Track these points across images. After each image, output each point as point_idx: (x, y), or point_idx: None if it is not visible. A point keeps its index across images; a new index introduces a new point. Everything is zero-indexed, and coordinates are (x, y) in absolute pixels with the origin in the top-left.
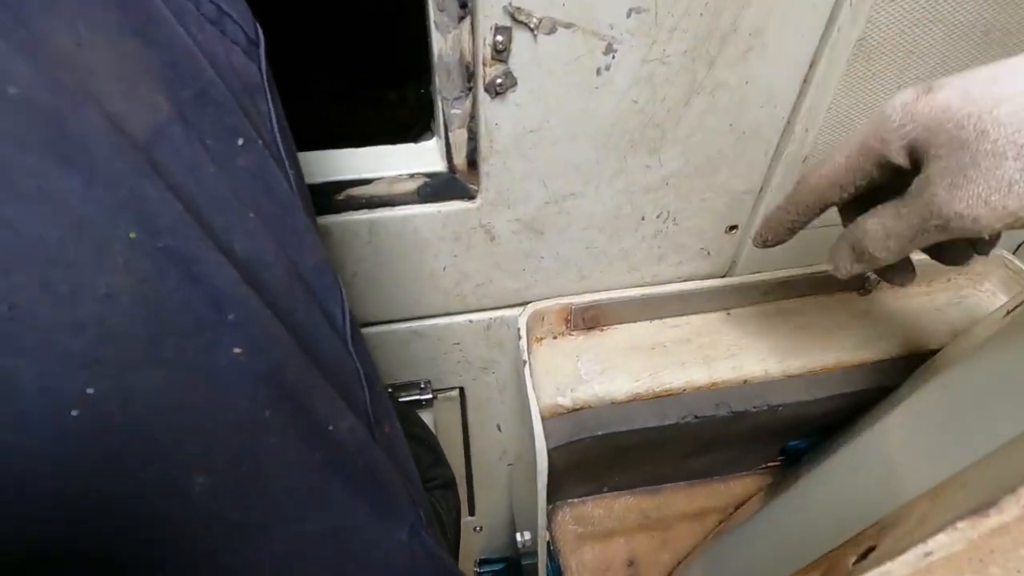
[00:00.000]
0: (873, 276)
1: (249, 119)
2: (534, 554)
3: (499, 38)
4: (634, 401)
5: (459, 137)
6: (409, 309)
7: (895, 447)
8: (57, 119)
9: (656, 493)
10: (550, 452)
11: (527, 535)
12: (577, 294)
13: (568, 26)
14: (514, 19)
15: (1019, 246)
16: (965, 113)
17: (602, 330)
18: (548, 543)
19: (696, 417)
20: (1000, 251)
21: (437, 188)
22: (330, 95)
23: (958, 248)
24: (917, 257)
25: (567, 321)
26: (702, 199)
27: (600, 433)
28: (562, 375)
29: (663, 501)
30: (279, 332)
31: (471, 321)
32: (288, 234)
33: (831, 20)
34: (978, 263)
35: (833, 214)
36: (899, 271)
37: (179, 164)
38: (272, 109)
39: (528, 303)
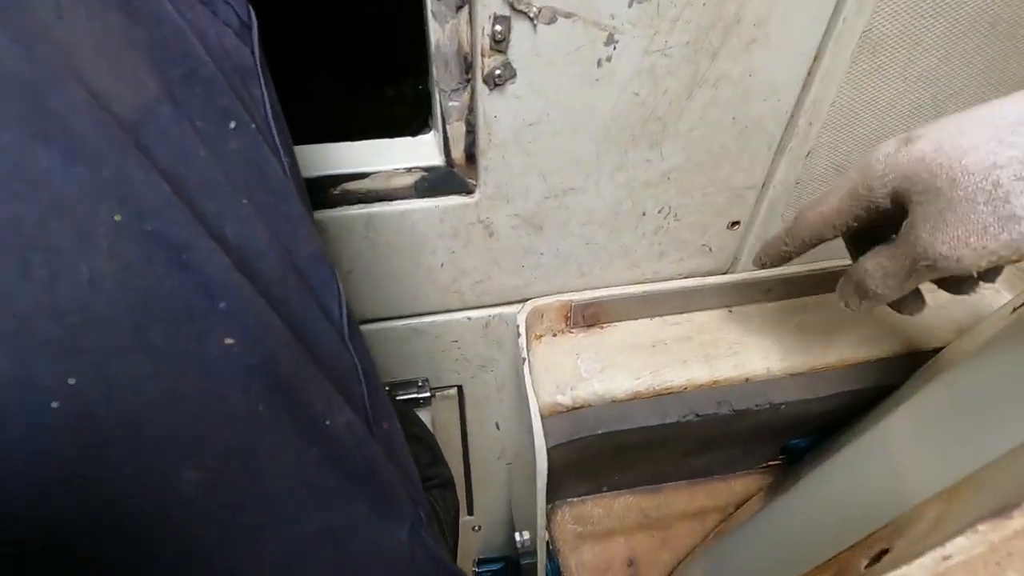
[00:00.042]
0: None
1: (241, 102)
2: (533, 554)
3: (498, 28)
4: (635, 399)
5: (457, 130)
6: (406, 306)
7: (898, 446)
8: (35, 94)
9: (656, 492)
10: (549, 451)
11: (526, 534)
12: (577, 291)
13: (568, 16)
14: (513, 8)
15: None
16: (937, 164)
17: (602, 327)
18: (547, 542)
19: (697, 416)
20: None
21: (435, 182)
22: (327, 92)
23: (961, 279)
24: None
25: (567, 318)
26: (704, 194)
27: (600, 432)
28: (562, 373)
29: (663, 500)
30: (273, 322)
31: (469, 318)
32: (282, 222)
33: (836, 10)
34: None
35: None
36: (908, 303)
37: (168, 146)
38: (266, 94)
39: (527, 300)
